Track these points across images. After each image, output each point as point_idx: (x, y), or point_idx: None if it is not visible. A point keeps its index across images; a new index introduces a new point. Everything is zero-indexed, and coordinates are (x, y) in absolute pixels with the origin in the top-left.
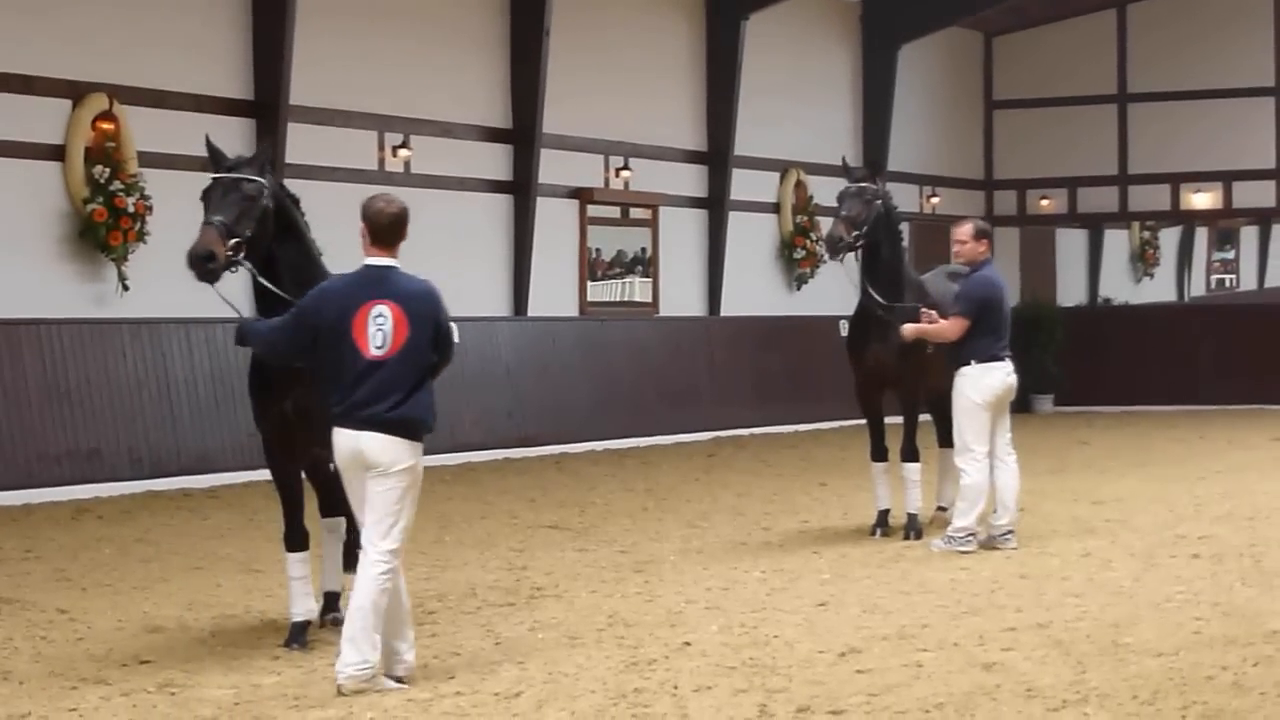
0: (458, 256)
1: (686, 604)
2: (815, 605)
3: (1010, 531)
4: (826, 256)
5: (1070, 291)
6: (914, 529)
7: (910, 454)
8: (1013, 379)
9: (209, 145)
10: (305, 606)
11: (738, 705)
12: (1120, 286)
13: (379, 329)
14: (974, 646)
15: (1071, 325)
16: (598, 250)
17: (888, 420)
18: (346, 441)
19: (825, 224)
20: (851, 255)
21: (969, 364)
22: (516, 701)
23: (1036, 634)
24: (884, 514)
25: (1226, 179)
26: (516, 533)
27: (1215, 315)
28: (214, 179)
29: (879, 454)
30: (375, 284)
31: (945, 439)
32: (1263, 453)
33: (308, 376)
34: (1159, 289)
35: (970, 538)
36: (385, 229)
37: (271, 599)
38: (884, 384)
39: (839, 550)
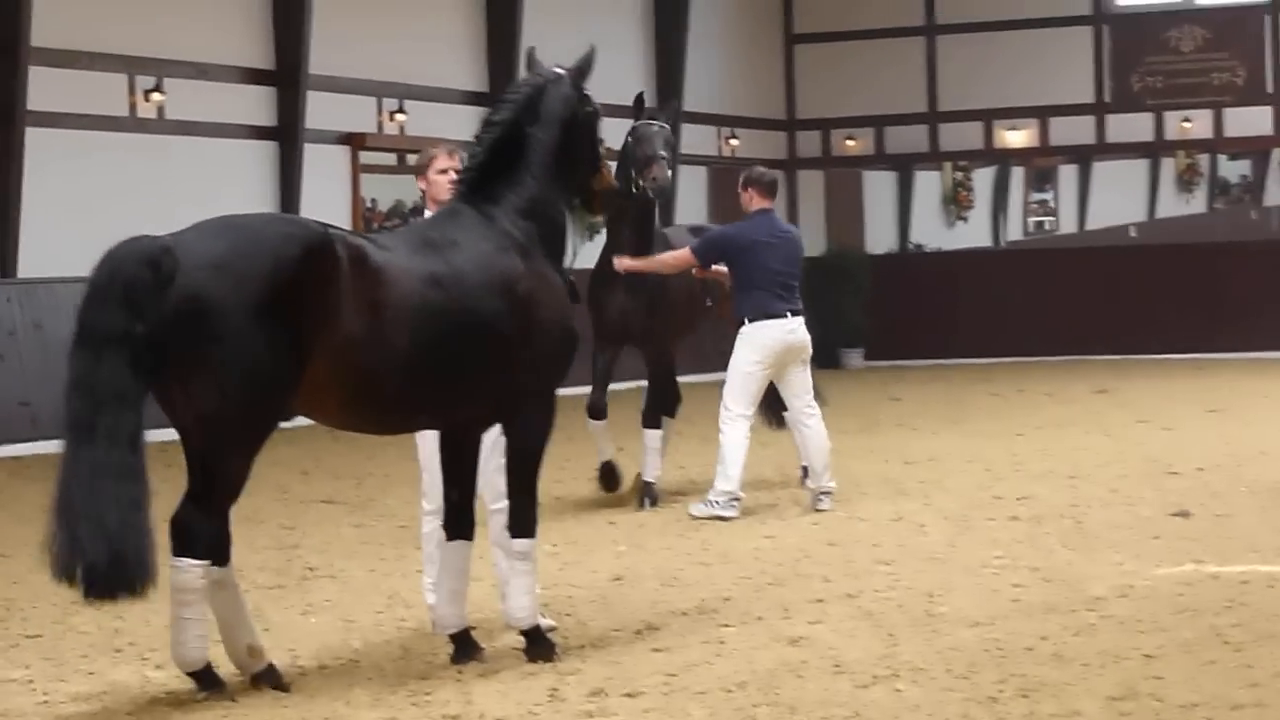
0: (218, 210)
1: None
2: (610, 580)
3: (826, 492)
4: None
5: (879, 238)
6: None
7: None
8: (795, 336)
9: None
10: None
11: (527, 689)
12: (932, 231)
13: None
14: (779, 620)
15: (880, 274)
16: (373, 200)
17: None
18: None
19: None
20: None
21: (743, 322)
22: (286, 694)
23: (845, 605)
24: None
25: (1043, 114)
26: (287, 508)
27: (1033, 260)
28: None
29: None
30: None
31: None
32: (1084, 406)
33: None
34: (973, 233)
35: (734, 502)
36: None
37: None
38: (627, 339)
39: (635, 520)
